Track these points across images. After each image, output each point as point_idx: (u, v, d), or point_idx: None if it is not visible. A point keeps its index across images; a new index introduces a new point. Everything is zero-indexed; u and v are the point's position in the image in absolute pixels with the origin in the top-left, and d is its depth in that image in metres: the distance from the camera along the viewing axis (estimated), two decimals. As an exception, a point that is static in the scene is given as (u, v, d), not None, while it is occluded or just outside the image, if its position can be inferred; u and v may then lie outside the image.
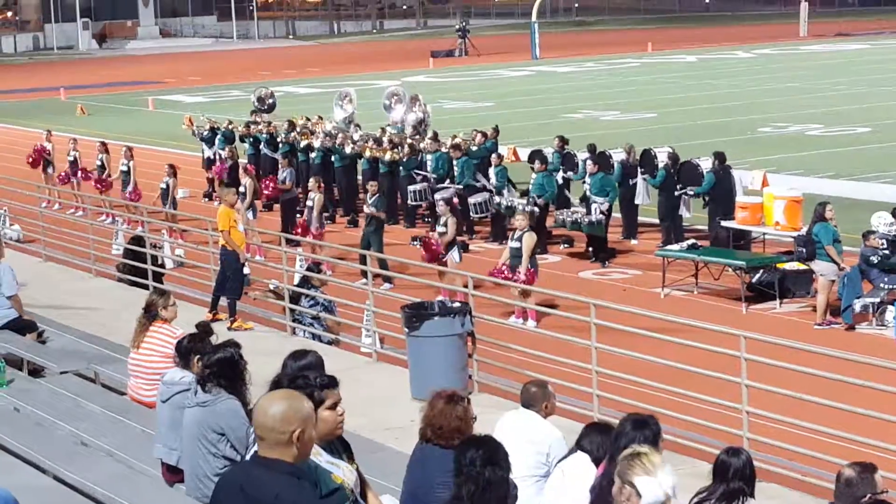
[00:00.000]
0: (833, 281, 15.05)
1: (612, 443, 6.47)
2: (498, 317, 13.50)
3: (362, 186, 21.90)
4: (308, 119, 25.40)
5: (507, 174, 20.63)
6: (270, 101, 28.06)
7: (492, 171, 20.60)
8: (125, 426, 9.81)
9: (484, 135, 22.64)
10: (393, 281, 16.93)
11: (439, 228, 17.05)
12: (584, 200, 19.56)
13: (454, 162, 21.27)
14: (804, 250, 15.29)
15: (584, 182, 20.03)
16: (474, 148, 21.92)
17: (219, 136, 25.28)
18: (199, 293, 16.38)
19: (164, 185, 21.49)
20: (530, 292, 15.07)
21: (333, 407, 5.81)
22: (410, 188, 21.38)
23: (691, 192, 19.24)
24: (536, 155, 21.10)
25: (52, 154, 25.06)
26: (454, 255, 16.71)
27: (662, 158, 19.95)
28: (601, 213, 18.85)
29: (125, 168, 22.87)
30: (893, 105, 35.05)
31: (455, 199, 19.81)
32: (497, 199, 20.03)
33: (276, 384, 6.55)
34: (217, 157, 24.69)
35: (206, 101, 44.65)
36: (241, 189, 19.45)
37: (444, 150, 21.64)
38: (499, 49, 63.08)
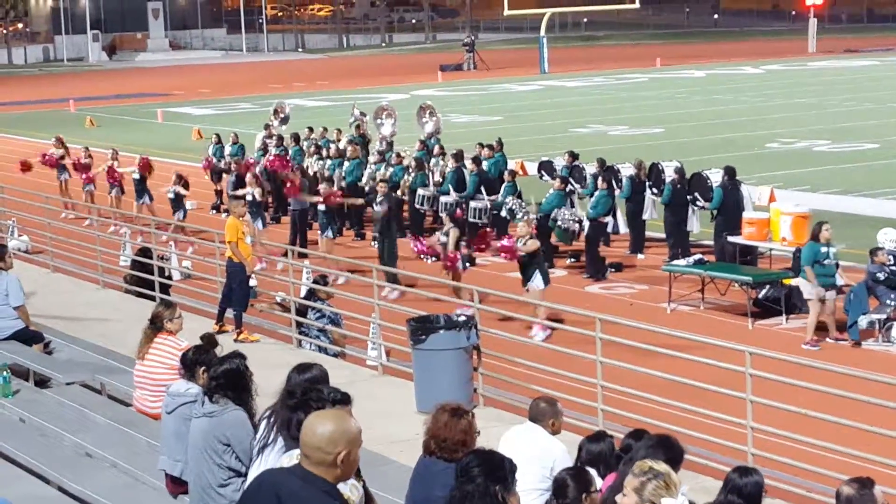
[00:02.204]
0: (822, 301, 14.86)
1: (629, 458, 6.49)
2: (504, 330, 13.48)
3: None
4: (326, 129, 25.68)
5: (513, 191, 20.66)
6: (282, 114, 28.18)
7: (502, 188, 20.69)
8: (130, 437, 9.81)
9: (490, 147, 22.70)
10: (400, 289, 16.92)
11: (441, 237, 17.12)
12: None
13: (466, 174, 21.34)
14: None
15: (591, 196, 20.12)
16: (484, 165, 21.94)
17: (229, 150, 25.41)
18: (206, 305, 16.40)
19: (171, 195, 21.67)
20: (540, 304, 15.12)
21: (342, 424, 5.82)
22: (419, 192, 21.46)
23: (700, 204, 19.25)
24: (551, 170, 21.05)
25: (66, 158, 25.30)
26: (458, 266, 16.73)
27: (670, 173, 19.97)
28: (577, 222, 18.80)
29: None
30: (901, 121, 35.06)
31: (459, 211, 19.85)
32: (500, 205, 20.11)
33: (289, 394, 6.57)
34: (230, 166, 24.79)
35: (215, 113, 44.79)
36: (248, 198, 19.72)
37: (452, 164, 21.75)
38: (507, 63, 63.18)
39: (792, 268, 16.13)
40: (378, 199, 18.62)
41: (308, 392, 6.36)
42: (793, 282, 15.61)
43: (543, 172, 21.12)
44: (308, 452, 4.66)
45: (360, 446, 4.77)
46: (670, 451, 6.42)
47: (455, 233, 17.04)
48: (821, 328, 15.03)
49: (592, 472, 7.05)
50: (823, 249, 14.94)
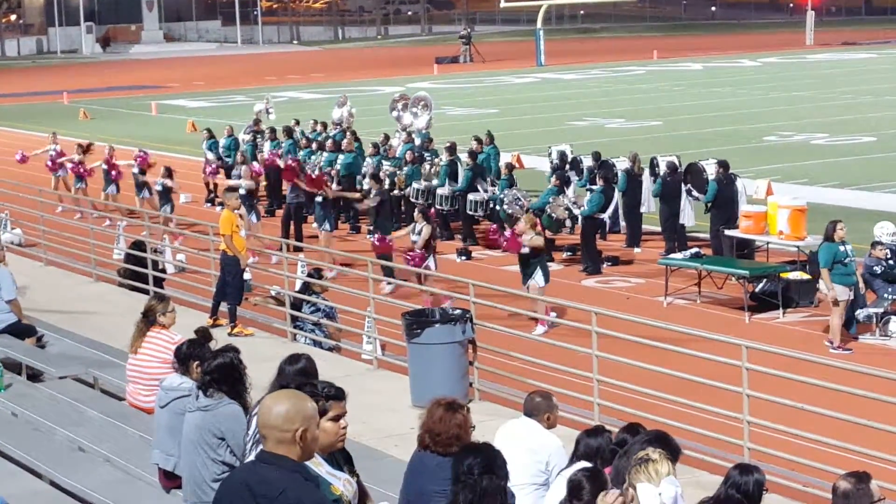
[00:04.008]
0: (844, 301, 14.48)
1: (623, 452, 6.47)
2: (499, 324, 13.43)
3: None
4: (315, 121, 25.61)
5: (509, 185, 20.59)
6: (267, 107, 28.09)
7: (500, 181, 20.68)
8: (123, 432, 9.78)
9: (482, 141, 22.60)
10: (392, 282, 16.87)
11: (412, 236, 16.93)
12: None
13: (460, 169, 21.27)
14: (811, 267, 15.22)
15: (586, 188, 20.09)
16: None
17: (223, 142, 25.33)
18: (200, 298, 16.34)
19: (159, 187, 21.57)
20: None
21: (336, 419, 5.80)
22: (414, 186, 21.40)
23: (695, 195, 19.18)
24: (565, 171, 20.99)
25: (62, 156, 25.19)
26: (430, 263, 16.65)
27: (664, 168, 19.90)
28: (567, 209, 18.73)
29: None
30: (898, 114, 35.05)
31: (432, 210, 19.79)
32: (496, 199, 20.07)
33: (282, 389, 6.52)
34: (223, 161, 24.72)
35: (209, 106, 44.70)
36: (241, 191, 19.62)
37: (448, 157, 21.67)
38: (504, 56, 63.12)
39: (808, 270, 15.79)
40: (372, 193, 18.62)
41: (302, 387, 6.31)
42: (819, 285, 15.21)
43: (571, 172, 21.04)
44: (266, 433, 4.75)
45: (318, 424, 4.86)
46: (665, 447, 6.38)
47: (427, 231, 16.86)
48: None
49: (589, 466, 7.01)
50: (842, 248, 14.52)
